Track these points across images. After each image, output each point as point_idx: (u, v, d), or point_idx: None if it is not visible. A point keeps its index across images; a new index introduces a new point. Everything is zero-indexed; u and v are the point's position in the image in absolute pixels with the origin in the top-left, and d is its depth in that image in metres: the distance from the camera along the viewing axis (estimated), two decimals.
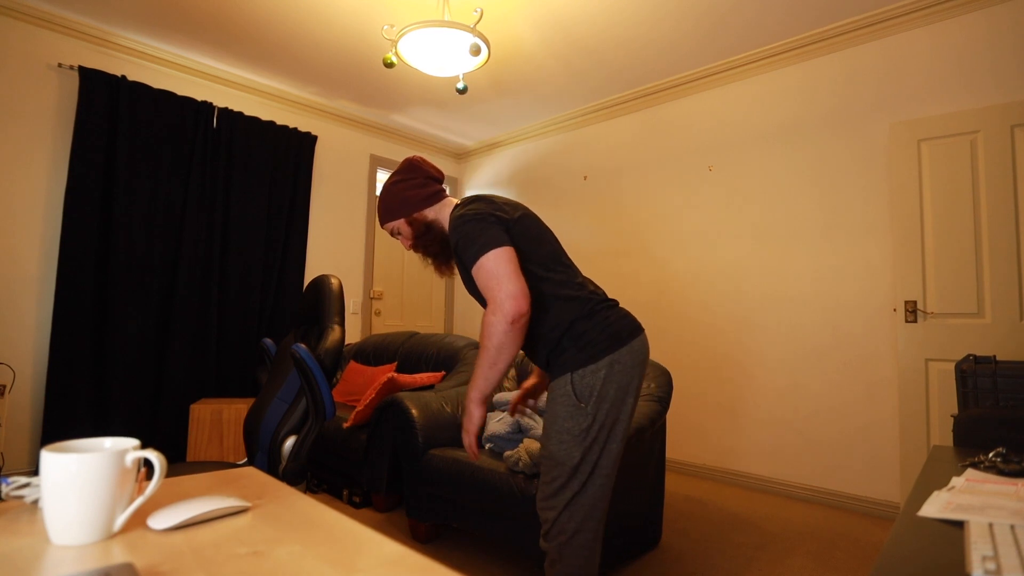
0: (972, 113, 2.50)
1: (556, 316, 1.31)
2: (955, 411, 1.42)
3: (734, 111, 3.42)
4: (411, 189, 1.45)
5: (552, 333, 1.32)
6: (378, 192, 4.71)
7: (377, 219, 1.54)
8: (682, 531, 2.44)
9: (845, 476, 2.84)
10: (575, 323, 1.31)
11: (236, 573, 0.52)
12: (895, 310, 2.70)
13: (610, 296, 1.51)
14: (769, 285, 3.19)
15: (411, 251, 1.50)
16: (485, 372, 1.26)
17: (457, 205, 1.40)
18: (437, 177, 1.48)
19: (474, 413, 1.32)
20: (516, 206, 1.40)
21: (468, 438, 1.35)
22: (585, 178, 4.22)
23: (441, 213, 1.44)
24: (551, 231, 1.44)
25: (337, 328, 1.60)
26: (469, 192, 5.25)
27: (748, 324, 3.26)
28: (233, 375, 3.64)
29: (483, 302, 1.39)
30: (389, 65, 2.57)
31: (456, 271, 1.48)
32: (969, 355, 1.38)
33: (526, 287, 1.23)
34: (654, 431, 2.13)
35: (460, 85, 2.73)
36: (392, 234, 1.50)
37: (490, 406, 2.51)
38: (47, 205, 3.06)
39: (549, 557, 1.30)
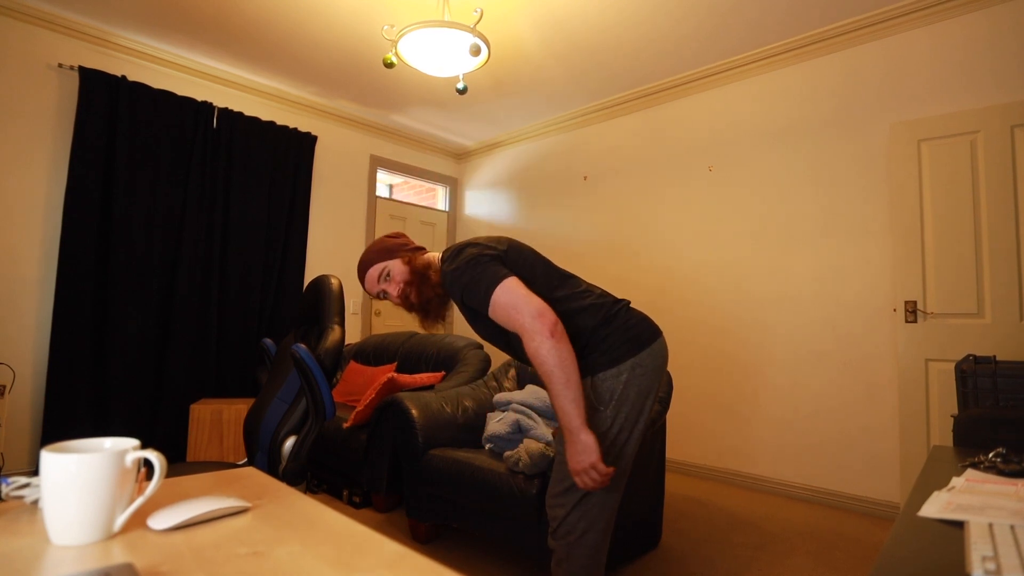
0: (972, 113, 2.50)
1: (575, 328, 1.30)
2: (955, 411, 1.41)
3: (734, 111, 3.42)
4: (402, 241, 1.46)
5: (575, 344, 1.29)
6: (379, 193, 4.72)
7: (363, 267, 1.45)
8: (682, 531, 2.44)
9: (845, 476, 2.84)
10: (596, 330, 1.29)
11: (236, 573, 0.52)
12: (895, 310, 2.70)
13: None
14: (769, 285, 3.19)
15: (400, 304, 1.42)
16: (567, 395, 1.17)
17: (443, 259, 1.38)
18: (418, 247, 1.48)
19: (588, 440, 1.17)
20: (500, 239, 1.38)
21: (600, 472, 1.18)
22: (585, 178, 4.22)
23: (434, 263, 1.42)
24: (536, 252, 1.42)
25: (337, 328, 1.60)
26: (469, 192, 5.26)
27: (748, 324, 3.26)
28: (233, 375, 3.64)
29: (501, 345, 1.39)
30: (389, 65, 2.57)
31: (442, 321, 1.45)
32: (969, 355, 1.38)
33: (543, 302, 1.21)
34: (654, 431, 2.13)
35: (460, 85, 2.73)
36: (378, 286, 1.42)
37: (490, 406, 2.51)
38: (47, 205, 3.06)
39: (556, 555, 1.29)
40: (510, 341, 1.38)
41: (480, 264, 1.28)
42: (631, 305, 1.39)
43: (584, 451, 1.16)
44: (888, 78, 2.83)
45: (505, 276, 1.24)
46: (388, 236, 1.47)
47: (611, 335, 1.30)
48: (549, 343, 1.16)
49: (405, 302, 1.41)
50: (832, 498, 2.86)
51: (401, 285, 1.40)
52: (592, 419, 1.26)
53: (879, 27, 2.84)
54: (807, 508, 2.82)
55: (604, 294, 1.38)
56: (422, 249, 1.47)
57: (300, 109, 4.13)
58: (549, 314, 1.19)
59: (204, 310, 3.52)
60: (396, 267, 1.40)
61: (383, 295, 1.44)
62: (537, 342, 1.17)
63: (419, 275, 1.39)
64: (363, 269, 1.44)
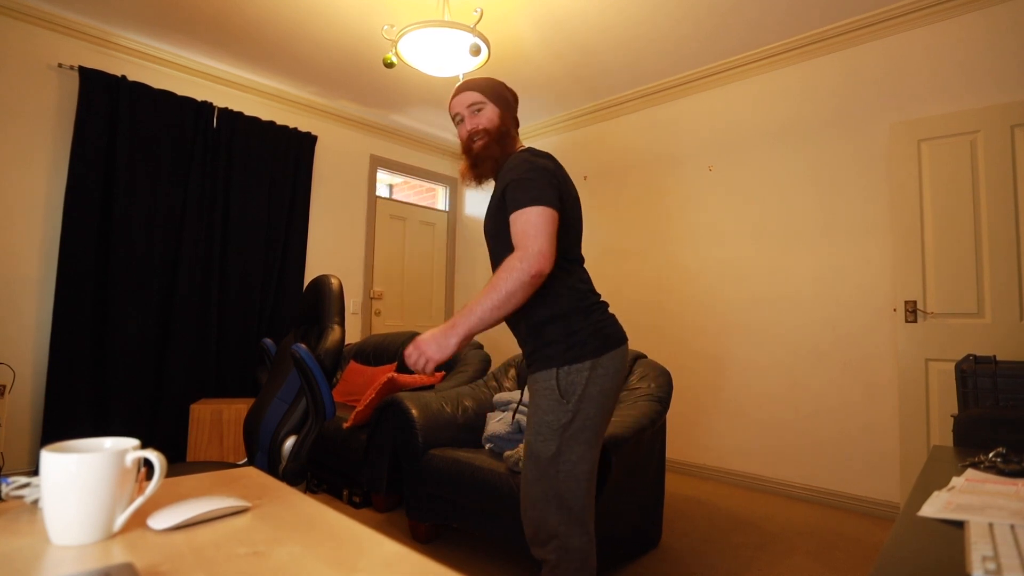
0: (972, 113, 2.50)
1: (555, 301, 1.32)
2: (955, 411, 1.42)
3: (734, 111, 3.42)
4: (514, 103, 1.47)
5: (545, 315, 1.32)
6: (379, 193, 4.71)
7: (468, 85, 1.42)
8: (682, 531, 2.44)
9: (845, 476, 2.84)
10: (570, 316, 1.31)
11: (236, 573, 0.52)
12: (895, 310, 2.70)
13: (606, 297, 1.51)
14: (769, 285, 3.19)
15: (464, 137, 1.42)
16: (485, 311, 1.20)
17: (526, 149, 1.39)
18: (518, 122, 1.51)
19: (451, 344, 1.21)
20: (569, 182, 1.39)
21: (429, 363, 1.21)
22: (585, 178, 4.22)
23: (515, 139, 1.44)
24: (580, 217, 1.43)
25: (337, 328, 1.60)
26: (469, 192, 5.26)
27: (748, 324, 3.26)
28: (233, 375, 3.64)
29: (495, 248, 1.39)
30: (389, 65, 2.57)
31: (477, 185, 1.45)
32: (969, 355, 1.38)
33: (553, 251, 1.22)
34: (654, 431, 2.13)
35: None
36: (462, 110, 1.42)
37: (490, 406, 2.51)
38: (47, 205, 3.06)
39: (548, 564, 1.29)
40: (500, 251, 1.38)
41: (546, 179, 1.28)
42: (607, 309, 1.41)
43: (439, 348, 1.20)
44: (888, 78, 2.83)
45: (552, 203, 1.25)
46: (506, 86, 1.48)
47: (582, 329, 1.31)
48: (526, 277, 1.19)
49: (469, 141, 1.42)
50: (832, 498, 2.86)
51: (481, 126, 1.40)
52: (555, 410, 1.28)
53: (879, 27, 2.84)
54: (807, 508, 2.82)
55: (594, 290, 1.41)
56: (517, 122, 1.49)
57: (300, 109, 4.13)
58: (548, 264, 1.21)
59: (204, 310, 3.52)
60: (491, 111, 1.41)
61: (459, 120, 1.44)
62: (523, 265, 1.19)
63: (501, 133, 1.40)
64: (464, 87, 1.44)
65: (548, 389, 1.29)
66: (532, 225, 1.22)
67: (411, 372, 1.23)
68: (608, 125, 4.11)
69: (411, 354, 1.22)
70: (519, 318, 1.36)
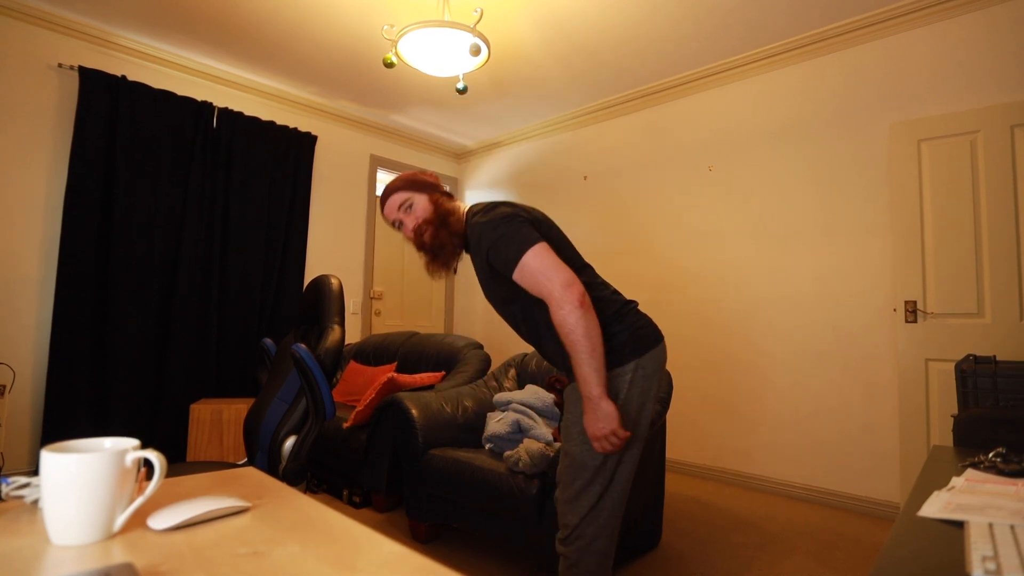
0: (972, 113, 2.50)
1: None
2: (955, 411, 1.41)
3: (734, 111, 3.42)
4: (436, 182, 1.44)
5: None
6: (379, 193, 4.71)
7: (388, 191, 1.41)
8: (682, 531, 2.44)
9: (845, 476, 2.84)
10: (606, 325, 1.28)
11: (236, 573, 0.52)
12: (895, 310, 2.70)
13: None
14: (769, 285, 3.19)
15: (411, 239, 1.39)
16: (592, 364, 1.18)
17: (474, 211, 1.36)
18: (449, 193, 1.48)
19: (609, 408, 1.19)
20: (531, 209, 1.37)
21: (619, 436, 1.20)
22: (585, 178, 4.22)
23: (458, 212, 1.40)
24: (563, 233, 1.42)
25: (337, 328, 1.60)
26: (469, 192, 5.26)
27: (748, 324, 3.26)
28: (233, 375, 3.64)
29: (505, 313, 1.38)
30: (389, 65, 2.57)
31: (449, 274, 1.42)
32: (969, 355, 1.38)
33: (573, 272, 1.21)
34: (654, 431, 2.13)
35: (460, 85, 2.73)
36: (396, 214, 1.39)
37: (490, 406, 2.51)
38: (47, 205, 3.06)
39: (566, 560, 1.29)
40: (515, 311, 1.35)
41: (515, 223, 1.26)
42: (638, 307, 1.40)
43: (604, 417, 1.18)
44: (888, 78, 2.83)
45: (537, 240, 1.23)
46: (422, 172, 1.45)
47: (619, 333, 1.30)
48: (578, 312, 1.16)
49: (417, 239, 1.38)
50: (832, 498, 2.86)
51: (419, 221, 1.37)
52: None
53: (879, 27, 2.84)
54: (807, 508, 2.82)
55: (617, 293, 1.39)
56: (451, 196, 1.45)
57: (300, 109, 4.13)
58: (578, 284, 1.19)
59: (204, 310, 3.52)
60: (421, 202, 1.38)
61: (398, 225, 1.41)
62: (566, 311, 1.17)
63: (441, 217, 1.36)
64: (387, 193, 1.41)
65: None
66: (537, 270, 1.20)
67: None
68: (608, 125, 4.11)
69: (601, 443, 1.20)
70: (555, 346, 1.33)
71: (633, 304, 1.38)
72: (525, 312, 1.35)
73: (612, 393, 1.26)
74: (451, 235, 1.36)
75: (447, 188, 1.46)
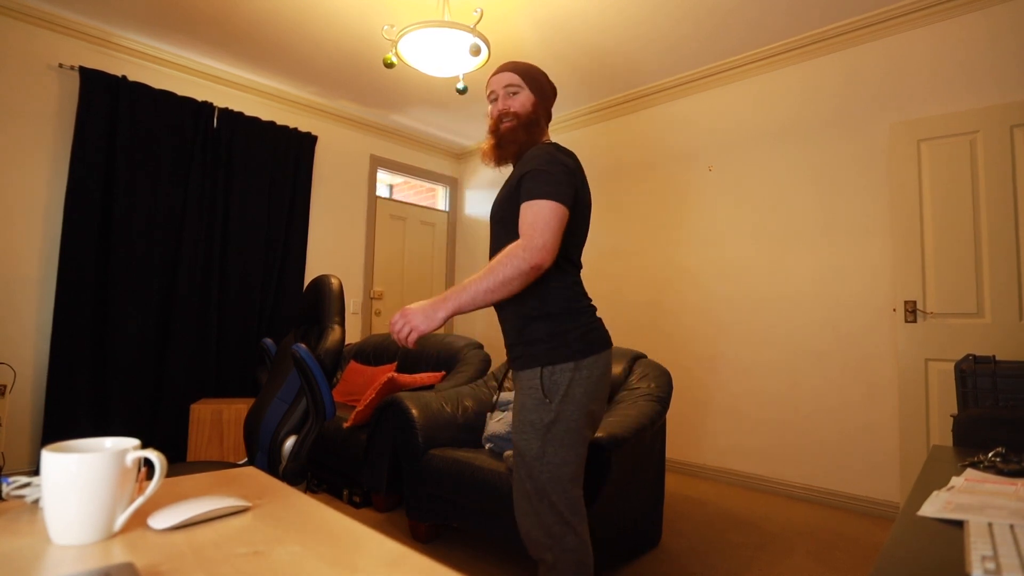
0: (972, 113, 2.50)
1: (547, 298, 1.32)
2: (955, 411, 1.42)
3: (734, 111, 3.42)
4: (551, 95, 1.48)
5: (536, 311, 1.32)
6: (379, 193, 4.71)
7: (509, 67, 1.44)
8: (682, 531, 2.44)
9: (845, 476, 2.84)
10: (560, 315, 1.31)
11: (236, 573, 0.52)
12: (895, 310, 2.70)
13: (606, 297, 1.51)
14: (769, 285, 3.19)
15: (494, 116, 1.44)
16: (479, 292, 1.20)
17: (553, 143, 1.39)
18: (551, 116, 1.52)
19: (438, 317, 1.20)
20: (586, 185, 1.40)
21: (413, 333, 1.20)
22: None
23: (544, 130, 1.45)
24: (589, 219, 1.44)
25: (337, 328, 1.60)
26: (469, 192, 5.26)
27: (748, 324, 3.26)
28: (233, 375, 3.64)
29: (499, 234, 1.38)
30: (389, 65, 2.57)
31: (496, 166, 1.45)
32: (969, 355, 1.38)
33: (557, 247, 1.23)
34: (654, 431, 2.13)
35: (460, 85, 2.73)
36: (500, 89, 1.43)
37: (490, 406, 2.51)
38: (47, 205, 3.06)
39: (544, 564, 1.29)
40: (502, 237, 1.37)
41: (566, 176, 1.29)
42: (595, 312, 1.42)
43: (424, 319, 1.20)
44: (888, 78, 2.83)
45: (566, 203, 1.26)
46: (548, 78, 1.49)
47: (570, 330, 1.31)
48: (525, 266, 1.19)
49: (498, 121, 1.43)
50: (832, 498, 2.86)
51: (512, 109, 1.41)
52: (538, 409, 1.28)
53: (879, 27, 2.84)
54: (807, 508, 2.82)
55: (586, 295, 1.41)
56: (550, 115, 1.49)
57: (300, 109, 4.13)
58: (549, 259, 1.21)
59: (204, 310, 3.52)
60: (526, 96, 1.42)
61: (493, 98, 1.46)
62: (524, 255, 1.20)
63: (530, 120, 1.41)
64: (506, 67, 1.45)
65: (532, 388, 1.30)
66: (541, 218, 1.22)
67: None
68: (608, 125, 4.11)
69: (396, 321, 1.21)
70: (510, 310, 1.36)
71: (592, 308, 1.40)
72: (506, 242, 1.35)
73: (553, 387, 1.28)
74: (523, 141, 1.40)
75: (553, 99, 1.51)
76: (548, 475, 1.27)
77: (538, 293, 1.31)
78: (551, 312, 1.31)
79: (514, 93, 1.42)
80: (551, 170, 1.27)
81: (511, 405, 2.34)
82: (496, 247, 1.40)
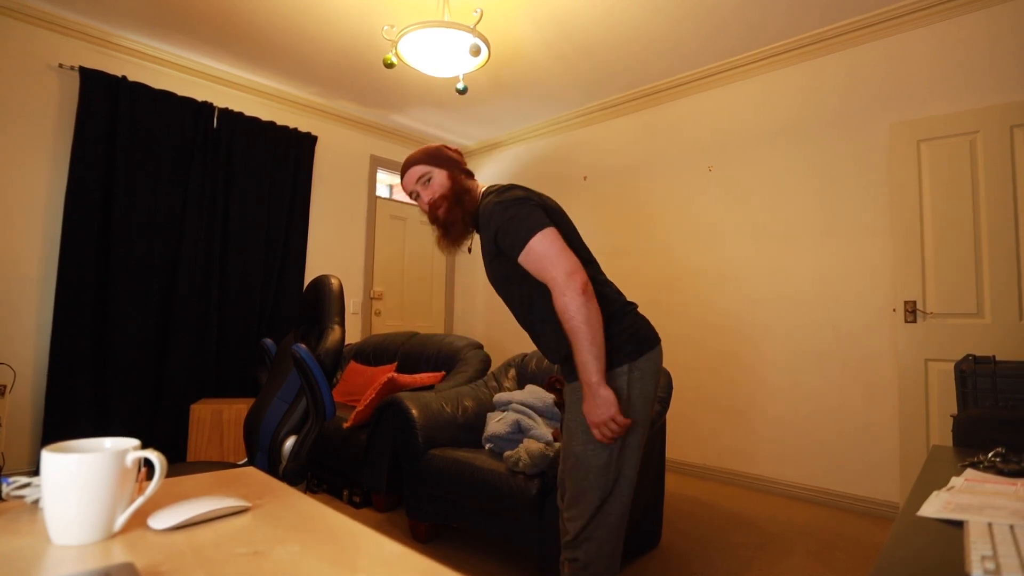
0: (972, 113, 2.50)
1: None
2: (955, 411, 1.41)
3: (734, 111, 3.42)
4: (459, 159, 1.45)
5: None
6: (379, 194, 4.71)
7: (408, 162, 1.42)
8: (682, 531, 2.44)
9: (845, 476, 2.84)
10: (606, 323, 1.27)
11: (236, 573, 0.52)
12: (895, 310, 2.70)
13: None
14: (769, 285, 3.19)
15: (426, 212, 1.41)
16: (592, 351, 1.18)
17: (488, 191, 1.37)
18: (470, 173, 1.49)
19: (607, 395, 1.19)
20: (547, 197, 1.38)
21: (619, 423, 1.20)
22: (585, 178, 4.22)
23: (474, 191, 1.41)
24: (573, 225, 1.42)
25: (337, 328, 1.60)
26: None
27: (748, 324, 3.26)
28: (233, 375, 3.64)
29: (509, 294, 1.37)
30: (389, 65, 2.57)
31: (459, 251, 1.42)
32: (968, 355, 1.39)
33: (578, 260, 1.22)
34: (654, 431, 2.13)
35: (460, 85, 2.73)
36: (414, 186, 1.41)
37: (490, 406, 2.51)
38: (47, 205, 3.06)
39: (576, 564, 1.28)
40: (514, 293, 1.35)
41: (527, 206, 1.27)
42: (638, 309, 1.40)
43: (603, 404, 1.19)
44: (888, 78, 2.83)
45: (546, 225, 1.24)
46: (447, 148, 1.46)
47: (620, 334, 1.29)
48: (580, 299, 1.17)
49: (432, 213, 1.40)
50: (832, 498, 2.86)
51: (436, 196, 1.39)
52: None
53: (879, 27, 2.84)
54: (807, 508, 2.82)
55: (619, 291, 1.39)
56: (470, 174, 1.46)
57: (300, 109, 4.13)
58: (582, 272, 1.20)
59: (204, 310, 3.52)
60: (439, 177, 1.40)
61: (415, 196, 1.43)
62: (568, 297, 1.18)
63: (456, 194, 1.37)
64: (407, 165, 1.42)
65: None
66: (543, 255, 1.21)
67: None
68: (608, 125, 4.11)
69: (600, 430, 1.21)
70: (554, 339, 1.33)
71: (633, 306, 1.38)
72: (524, 296, 1.34)
73: (616, 392, 1.25)
74: (464, 213, 1.37)
75: (465, 166, 1.46)
76: (616, 483, 1.27)
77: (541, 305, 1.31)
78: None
79: (428, 180, 1.40)
80: (513, 213, 1.26)
81: (511, 405, 2.34)
82: (515, 306, 1.39)
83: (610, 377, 1.26)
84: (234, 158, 3.69)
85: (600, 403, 1.19)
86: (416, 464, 2.25)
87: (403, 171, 1.44)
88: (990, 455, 0.96)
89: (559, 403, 2.31)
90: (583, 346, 1.18)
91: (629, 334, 1.31)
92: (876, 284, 2.81)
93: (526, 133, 4.62)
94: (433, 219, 1.40)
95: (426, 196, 1.40)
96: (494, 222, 1.28)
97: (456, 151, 1.47)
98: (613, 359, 1.27)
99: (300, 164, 4.05)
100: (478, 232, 1.39)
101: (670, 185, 3.70)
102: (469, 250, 1.44)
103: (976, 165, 2.48)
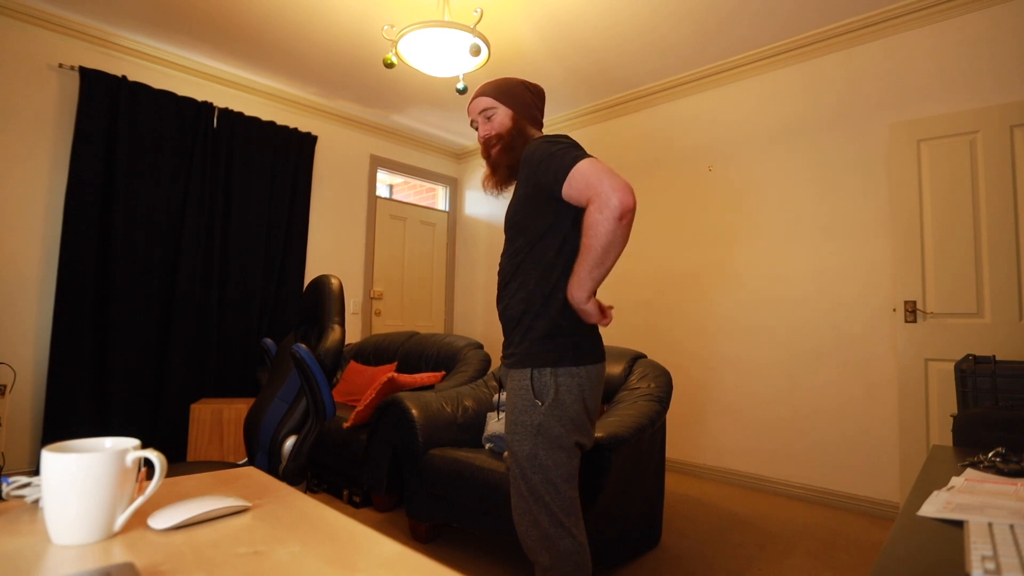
0: (972, 113, 2.50)
1: (549, 300, 1.29)
2: (955, 411, 1.42)
3: (734, 111, 3.42)
4: (533, 100, 1.43)
5: (537, 299, 1.29)
6: (379, 193, 4.71)
7: (480, 90, 1.41)
8: (682, 531, 2.44)
9: (845, 476, 2.84)
10: (560, 312, 1.29)
11: (236, 573, 0.52)
12: (895, 310, 2.70)
13: (606, 297, 1.51)
14: (769, 285, 3.19)
15: (483, 140, 1.41)
16: (591, 272, 1.18)
17: (540, 137, 1.37)
18: (541, 119, 1.48)
19: (592, 309, 1.24)
20: None
21: (605, 318, 1.27)
22: None
23: (530, 137, 1.41)
24: None
25: (337, 328, 1.60)
26: (469, 193, 5.26)
27: (748, 324, 3.26)
28: (233, 375, 3.64)
29: (513, 241, 1.35)
30: (389, 65, 2.57)
31: (498, 192, 1.43)
32: (968, 355, 1.39)
33: (630, 185, 1.16)
34: (654, 431, 2.13)
35: (460, 85, 2.73)
36: (477, 116, 1.41)
37: (490, 406, 2.51)
38: (47, 205, 3.06)
39: (539, 567, 1.29)
40: (518, 242, 1.34)
41: (573, 145, 1.27)
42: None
43: (590, 317, 1.27)
44: (888, 78, 2.83)
45: (589, 155, 1.23)
46: (528, 85, 1.44)
47: (571, 336, 1.30)
48: (613, 222, 1.13)
49: (485, 149, 1.41)
50: (832, 498, 2.86)
51: (492, 134, 1.39)
52: (528, 410, 1.27)
53: (879, 27, 2.84)
54: (807, 508, 2.82)
55: None
56: (537, 120, 1.45)
57: (300, 109, 4.13)
58: (630, 196, 1.14)
59: (204, 310, 3.52)
60: (502, 115, 1.39)
61: (475, 127, 1.45)
62: (604, 215, 1.13)
63: (513, 138, 1.37)
64: (478, 92, 1.43)
65: (522, 389, 1.29)
66: (592, 172, 1.16)
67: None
68: (608, 125, 4.11)
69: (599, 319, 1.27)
70: (514, 306, 1.34)
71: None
72: (522, 249, 1.32)
73: (543, 388, 1.27)
74: (513, 161, 1.38)
75: (536, 111, 1.44)
76: (540, 477, 1.27)
77: (544, 290, 1.30)
78: (552, 311, 1.29)
79: (490, 117, 1.40)
80: (556, 150, 1.24)
81: None
82: (511, 254, 1.37)
83: (544, 374, 1.27)
84: (234, 158, 3.69)
85: (588, 317, 1.26)
86: (416, 464, 2.25)
87: (472, 96, 1.44)
88: (990, 455, 0.96)
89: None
90: (585, 265, 1.18)
91: (579, 340, 1.31)
92: (876, 284, 2.81)
93: None
94: (485, 155, 1.42)
95: (484, 130, 1.41)
96: (536, 156, 1.27)
97: (535, 91, 1.45)
98: (555, 357, 1.28)
99: (300, 164, 4.05)
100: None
101: (670, 185, 3.70)
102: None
103: (976, 165, 2.48)
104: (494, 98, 1.40)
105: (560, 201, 1.25)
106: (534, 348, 1.29)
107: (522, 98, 1.41)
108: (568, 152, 1.22)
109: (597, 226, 1.14)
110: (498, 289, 1.41)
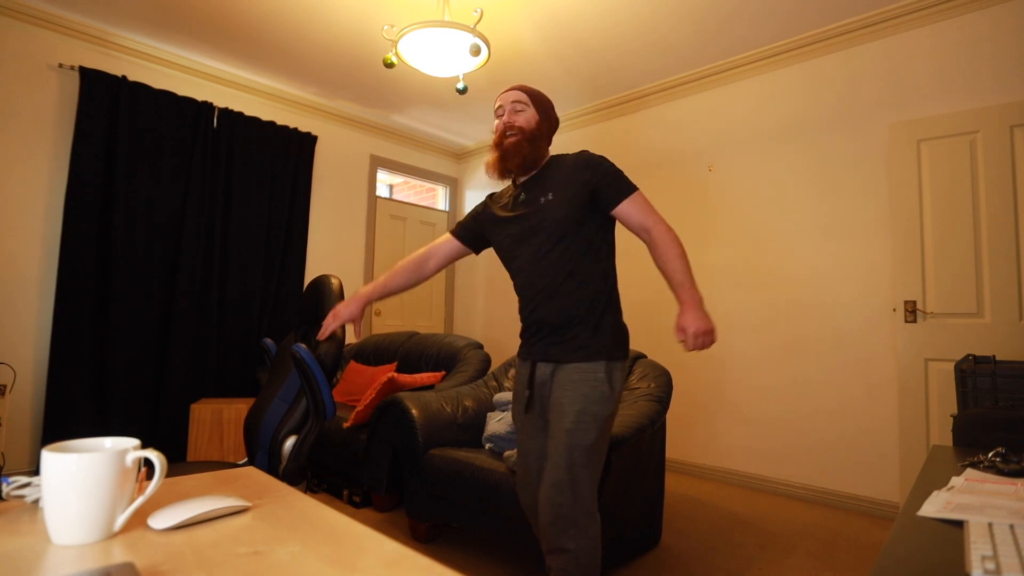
0: (972, 113, 2.50)
1: (612, 294, 1.45)
2: (955, 411, 1.42)
3: (734, 111, 3.42)
4: (554, 124, 1.60)
5: (603, 296, 1.42)
6: (379, 193, 4.71)
7: (519, 87, 1.55)
8: (682, 531, 2.44)
9: (845, 476, 2.84)
10: (619, 315, 1.45)
11: (236, 573, 0.52)
12: (895, 310, 2.70)
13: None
14: (769, 285, 3.19)
15: (499, 130, 1.51)
16: (690, 274, 1.38)
17: (576, 154, 1.53)
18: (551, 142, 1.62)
19: (706, 311, 1.37)
20: None
21: (712, 334, 1.36)
22: None
23: (545, 148, 1.55)
24: None
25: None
26: (469, 192, 5.26)
27: (748, 324, 3.26)
28: (233, 375, 3.64)
29: (549, 245, 1.43)
30: (389, 65, 2.57)
31: (500, 178, 1.54)
32: (968, 355, 1.39)
33: None
34: (654, 431, 2.13)
35: (460, 85, 2.73)
36: (508, 104, 1.50)
37: (490, 406, 2.51)
38: (47, 205, 3.06)
39: (568, 554, 1.29)
40: (568, 243, 1.42)
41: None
42: None
43: (708, 317, 1.35)
44: (888, 78, 2.83)
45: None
46: (553, 107, 1.59)
47: (623, 332, 1.46)
48: (678, 240, 1.40)
49: (503, 135, 1.49)
50: (832, 498, 2.86)
51: (517, 124, 1.48)
52: (602, 402, 1.35)
53: (879, 27, 2.84)
54: (807, 508, 2.82)
55: None
56: (550, 139, 1.59)
57: (300, 109, 4.13)
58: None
59: (204, 309, 3.52)
60: (530, 114, 1.51)
61: (500, 112, 1.53)
62: (673, 234, 1.40)
63: (533, 137, 1.48)
64: (518, 88, 1.53)
65: (599, 381, 1.35)
66: (648, 203, 1.43)
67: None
68: (608, 125, 4.11)
69: (703, 339, 1.33)
70: (569, 303, 1.40)
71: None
72: (578, 249, 1.41)
73: (617, 383, 1.38)
74: (525, 157, 1.47)
75: (553, 134, 1.62)
76: (593, 465, 1.34)
77: (607, 288, 1.44)
78: (615, 310, 1.45)
79: (520, 110, 1.49)
80: (619, 170, 1.44)
81: (510, 405, 2.34)
82: (562, 251, 1.43)
83: (619, 367, 1.40)
84: (234, 158, 3.69)
85: (705, 315, 1.34)
86: (416, 464, 2.25)
87: (508, 89, 1.54)
88: (990, 455, 0.96)
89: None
90: (687, 269, 1.37)
91: (625, 335, 1.47)
92: (876, 284, 2.81)
93: None
94: (499, 141, 1.50)
95: (509, 118, 1.49)
96: (602, 168, 1.43)
97: (556, 117, 1.62)
98: (622, 352, 1.42)
99: (300, 164, 4.05)
100: (526, 178, 1.51)
101: (670, 185, 3.69)
102: (514, 182, 1.56)
103: (976, 165, 2.48)
104: (531, 99, 1.51)
105: (602, 211, 1.43)
106: (607, 342, 1.39)
107: (549, 115, 1.55)
108: (628, 178, 1.44)
109: (677, 241, 1.39)
110: (540, 287, 1.44)
